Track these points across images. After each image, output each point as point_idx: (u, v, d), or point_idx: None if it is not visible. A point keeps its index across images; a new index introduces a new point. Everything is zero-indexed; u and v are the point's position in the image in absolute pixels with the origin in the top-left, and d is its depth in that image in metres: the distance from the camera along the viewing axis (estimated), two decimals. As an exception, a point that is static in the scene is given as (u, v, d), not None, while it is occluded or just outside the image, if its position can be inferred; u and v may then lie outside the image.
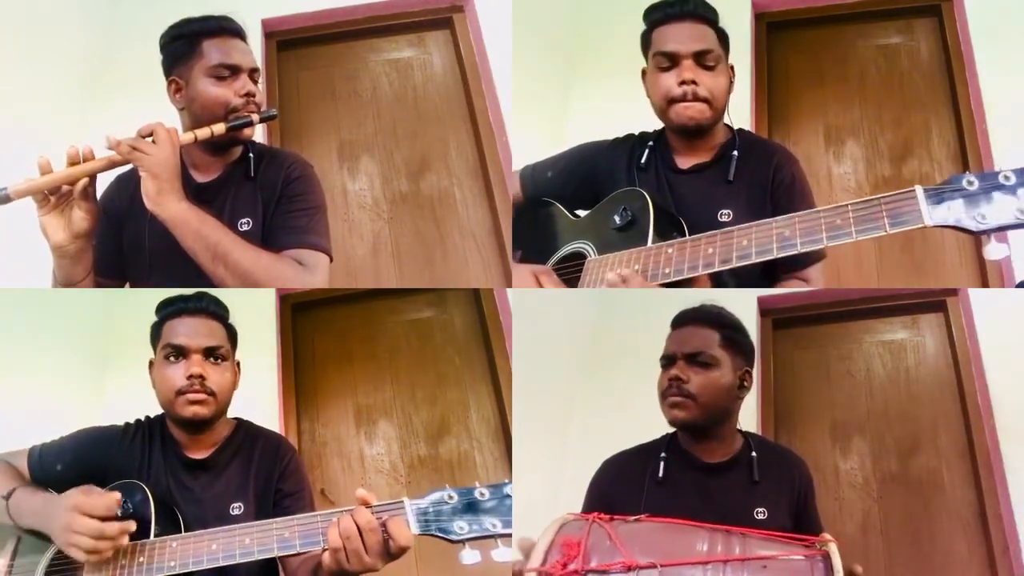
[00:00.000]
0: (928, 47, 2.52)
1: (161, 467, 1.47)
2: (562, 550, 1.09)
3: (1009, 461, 2.11)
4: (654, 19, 1.53)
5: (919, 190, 1.12)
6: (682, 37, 1.48)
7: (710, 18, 1.51)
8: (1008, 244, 1.12)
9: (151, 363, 1.49)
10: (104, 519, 1.25)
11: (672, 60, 1.48)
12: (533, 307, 2.18)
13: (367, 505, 1.21)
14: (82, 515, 1.25)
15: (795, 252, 1.20)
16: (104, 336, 2.38)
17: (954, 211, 1.09)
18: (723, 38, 1.52)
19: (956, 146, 2.41)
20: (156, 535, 1.33)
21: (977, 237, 1.10)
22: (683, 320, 1.47)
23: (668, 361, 1.44)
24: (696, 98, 1.46)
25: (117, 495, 1.29)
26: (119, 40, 2.50)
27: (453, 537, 1.19)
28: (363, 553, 1.17)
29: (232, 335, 1.52)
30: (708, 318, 1.46)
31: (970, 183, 1.10)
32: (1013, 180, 1.08)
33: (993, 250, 1.09)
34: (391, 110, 2.60)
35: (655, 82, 1.50)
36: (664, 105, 1.49)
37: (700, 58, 1.47)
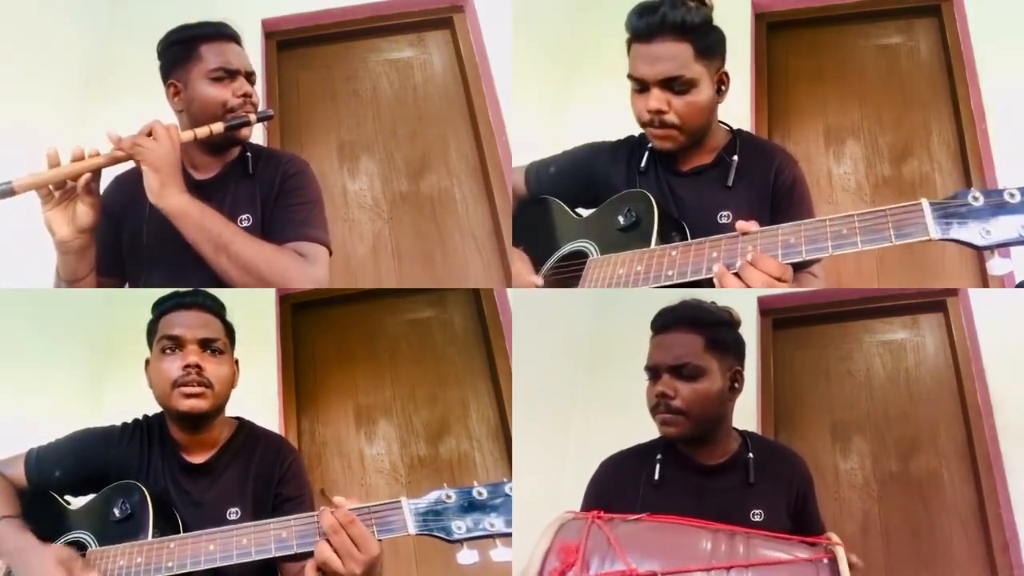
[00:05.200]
0: (928, 47, 2.51)
1: (160, 469, 1.46)
2: (560, 556, 1.07)
3: (1009, 461, 2.11)
4: (631, 32, 1.43)
5: (926, 204, 1.12)
6: (652, 58, 1.39)
7: (687, 33, 1.37)
8: (1011, 259, 1.13)
9: (147, 362, 1.48)
10: None
11: (641, 85, 1.42)
12: (533, 307, 2.18)
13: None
14: None
15: (800, 259, 1.20)
16: (104, 336, 2.37)
17: (959, 226, 1.10)
18: (702, 52, 1.39)
19: (956, 146, 2.41)
20: (154, 536, 1.32)
21: (980, 251, 1.11)
22: (664, 324, 1.40)
23: (653, 374, 1.38)
24: (663, 125, 1.43)
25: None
26: (119, 41, 2.50)
27: (451, 537, 1.18)
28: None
29: (230, 332, 1.51)
30: (690, 320, 1.38)
31: (975, 199, 1.10)
32: (1018, 198, 1.09)
33: (996, 265, 1.10)
34: (391, 110, 2.60)
35: (632, 101, 1.46)
36: (640, 126, 1.48)
37: (669, 84, 1.39)
